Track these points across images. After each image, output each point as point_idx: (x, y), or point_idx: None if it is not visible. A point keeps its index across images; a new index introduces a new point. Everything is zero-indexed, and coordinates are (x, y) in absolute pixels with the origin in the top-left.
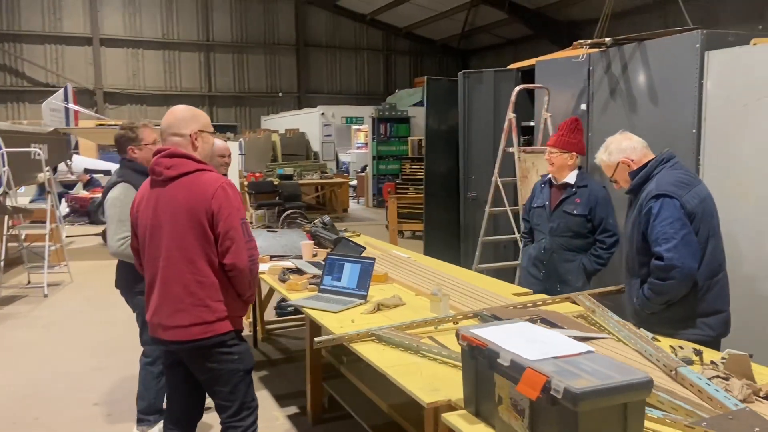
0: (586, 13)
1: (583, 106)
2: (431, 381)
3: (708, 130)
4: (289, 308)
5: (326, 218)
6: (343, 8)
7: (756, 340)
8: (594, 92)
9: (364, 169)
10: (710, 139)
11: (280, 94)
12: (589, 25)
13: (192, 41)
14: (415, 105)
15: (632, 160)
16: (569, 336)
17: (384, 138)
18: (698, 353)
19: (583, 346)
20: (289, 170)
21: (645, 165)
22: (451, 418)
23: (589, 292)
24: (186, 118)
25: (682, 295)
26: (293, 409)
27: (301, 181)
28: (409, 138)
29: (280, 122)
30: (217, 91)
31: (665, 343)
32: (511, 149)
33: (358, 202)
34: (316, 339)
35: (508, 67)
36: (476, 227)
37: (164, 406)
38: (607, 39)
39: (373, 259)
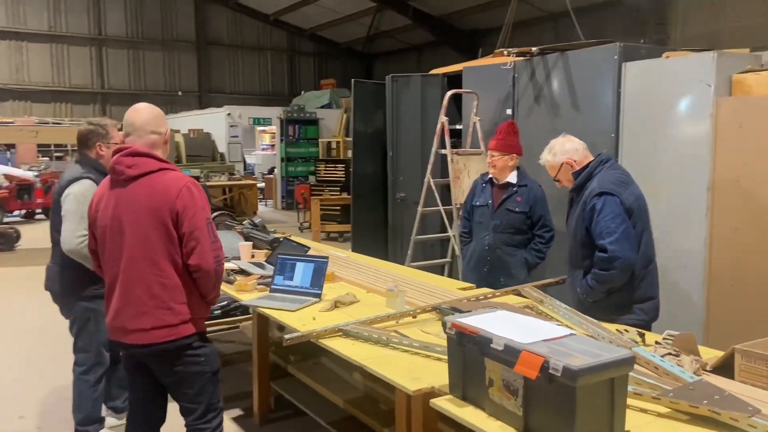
0: (487, 22)
1: (509, 111)
2: (409, 371)
3: (625, 135)
4: (215, 312)
5: (257, 219)
6: (245, 6)
7: (670, 323)
8: (519, 98)
9: (271, 171)
10: (627, 143)
11: (180, 93)
12: (490, 34)
13: (82, 35)
14: (323, 107)
15: (575, 161)
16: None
17: (293, 140)
18: (641, 335)
19: (565, 330)
20: (195, 171)
21: (587, 165)
22: (440, 402)
23: (534, 283)
24: (160, 116)
25: (622, 284)
26: (237, 412)
27: (208, 183)
28: (320, 140)
29: (182, 122)
30: (111, 89)
31: (611, 327)
32: (443, 151)
33: (266, 205)
34: (286, 336)
35: (432, 72)
36: (404, 227)
37: (103, 414)
38: (533, 48)
39: (326, 257)
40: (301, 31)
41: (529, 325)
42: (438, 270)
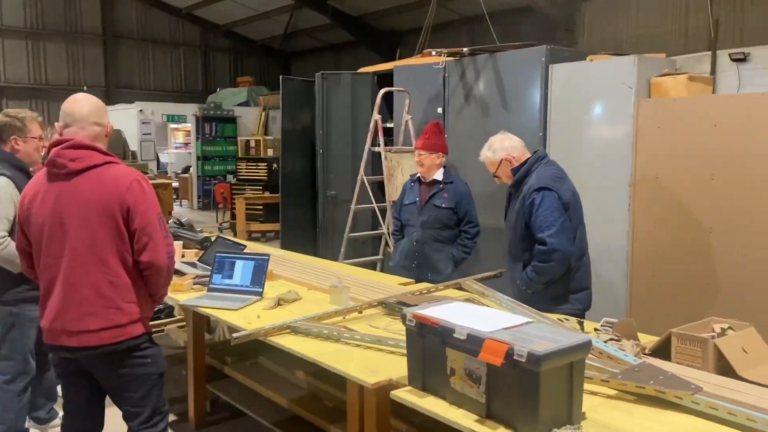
0: (405, 24)
1: (439, 110)
2: (365, 364)
3: (552, 134)
4: None
5: (184, 219)
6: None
7: (596, 312)
8: (449, 97)
9: (186, 170)
10: (554, 142)
11: (85, 88)
12: (409, 35)
13: None
14: (240, 105)
15: (514, 158)
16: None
17: (209, 138)
18: (580, 323)
19: (523, 318)
20: None
21: (525, 162)
22: (400, 394)
23: (474, 277)
24: (102, 107)
25: (559, 275)
26: (171, 417)
27: None
28: (238, 138)
29: None
30: (7, 82)
31: (551, 317)
32: (377, 149)
33: (181, 205)
34: (234, 335)
35: (360, 70)
36: (335, 224)
37: (26, 425)
38: (464, 49)
39: (268, 255)
40: (215, 27)
41: (488, 314)
42: (370, 267)
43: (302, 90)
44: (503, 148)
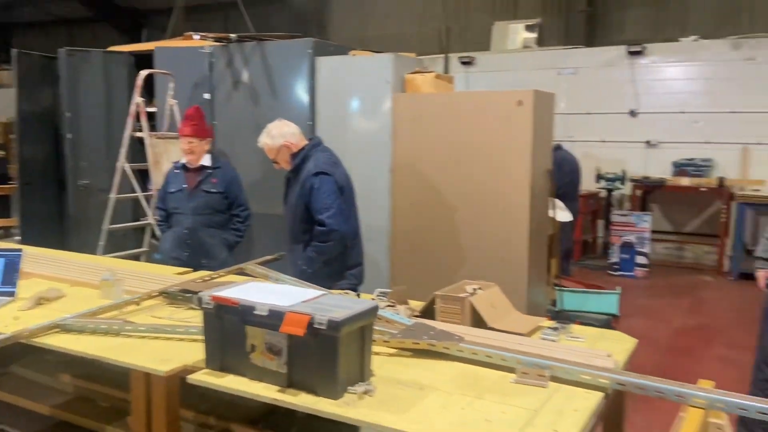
0: (150, 3)
1: (207, 96)
2: (155, 355)
3: (321, 122)
4: None
5: None
6: None
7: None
8: (217, 83)
9: None
10: (322, 131)
11: None
12: (154, 16)
13: None
14: None
15: (292, 144)
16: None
17: None
18: (358, 296)
19: (318, 291)
20: None
21: (303, 148)
22: (197, 377)
23: (255, 261)
24: None
25: (337, 254)
26: None
27: None
28: None
29: None
30: None
31: (335, 292)
32: (140, 134)
33: None
34: None
35: (111, 48)
36: (89, 217)
37: None
38: (231, 35)
39: (20, 250)
40: None
41: (284, 291)
42: (133, 260)
43: (43, 67)
44: (282, 134)
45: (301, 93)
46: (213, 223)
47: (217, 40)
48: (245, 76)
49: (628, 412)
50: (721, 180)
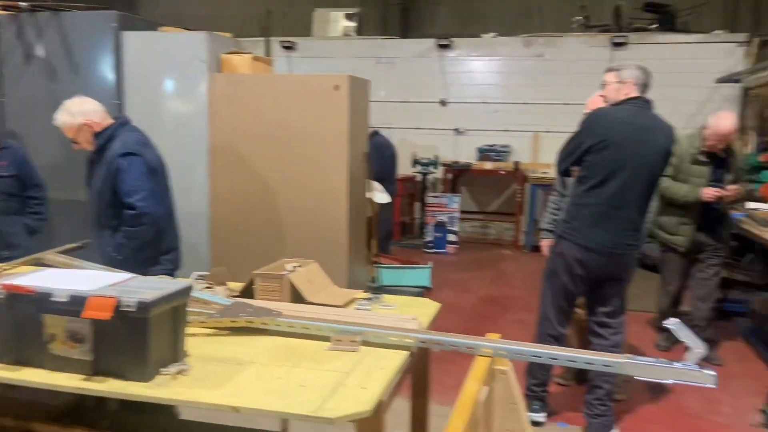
0: None
1: None
2: None
3: (129, 101)
4: None
5: None
6: None
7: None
8: (5, 56)
9: None
10: (131, 111)
11: None
12: None
13: None
14: None
15: (95, 122)
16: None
17: None
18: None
19: (128, 275)
20: None
21: (107, 127)
22: None
23: (56, 249)
24: None
25: (150, 238)
26: None
27: None
28: None
29: None
30: None
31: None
32: None
33: None
34: None
35: None
36: None
37: None
38: (21, 3)
39: None
40: None
41: (87, 276)
42: None
43: None
44: (82, 112)
45: (106, 70)
46: (10, 210)
47: (4, 8)
48: (40, 49)
49: (433, 369)
50: (517, 164)
